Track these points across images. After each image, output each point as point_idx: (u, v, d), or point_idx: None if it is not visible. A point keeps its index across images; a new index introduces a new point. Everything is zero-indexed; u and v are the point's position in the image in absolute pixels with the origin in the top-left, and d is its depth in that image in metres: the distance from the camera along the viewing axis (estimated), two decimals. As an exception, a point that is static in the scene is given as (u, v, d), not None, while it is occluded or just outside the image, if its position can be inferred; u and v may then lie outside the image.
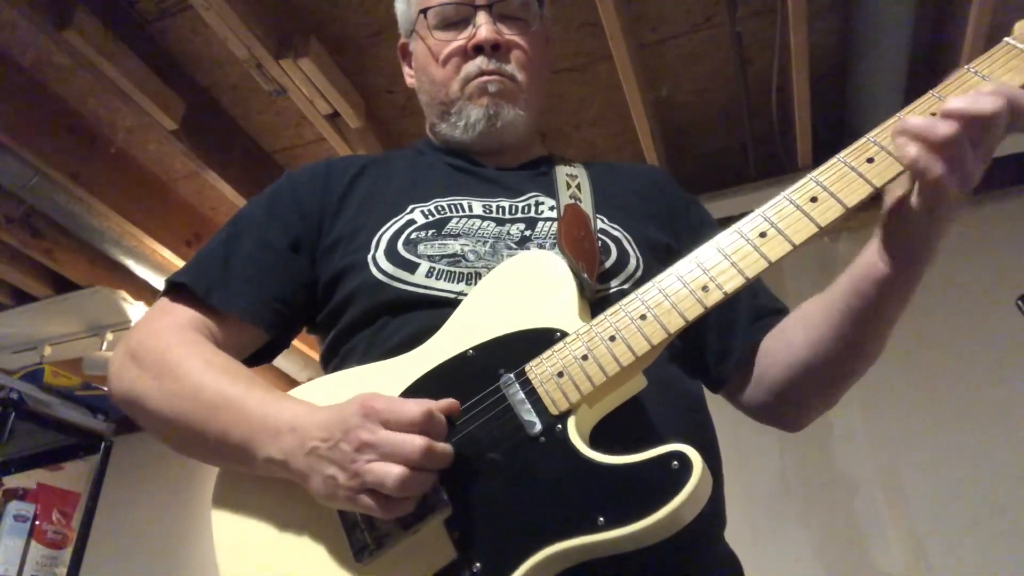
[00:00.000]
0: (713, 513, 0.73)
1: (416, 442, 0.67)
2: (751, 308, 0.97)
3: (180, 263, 2.87)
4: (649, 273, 0.84)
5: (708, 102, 2.53)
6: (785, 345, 0.91)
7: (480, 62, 1.03)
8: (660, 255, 0.96)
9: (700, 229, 1.05)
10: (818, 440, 2.56)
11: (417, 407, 0.69)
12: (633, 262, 0.93)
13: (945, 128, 0.65)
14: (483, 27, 1.03)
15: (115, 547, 3.57)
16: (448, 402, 0.72)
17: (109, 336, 3.20)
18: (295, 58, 2.10)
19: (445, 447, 0.70)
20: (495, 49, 1.03)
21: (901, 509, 2.41)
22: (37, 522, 2.50)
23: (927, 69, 2.33)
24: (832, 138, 2.53)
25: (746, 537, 2.43)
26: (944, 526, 2.32)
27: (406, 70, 1.19)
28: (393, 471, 0.65)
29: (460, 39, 1.05)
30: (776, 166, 2.65)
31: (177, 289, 0.93)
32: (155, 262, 2.84)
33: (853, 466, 2.51)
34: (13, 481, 2.69)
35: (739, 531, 0.95)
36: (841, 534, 2.43)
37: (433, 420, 0.69)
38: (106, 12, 2.09)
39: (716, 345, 0.98)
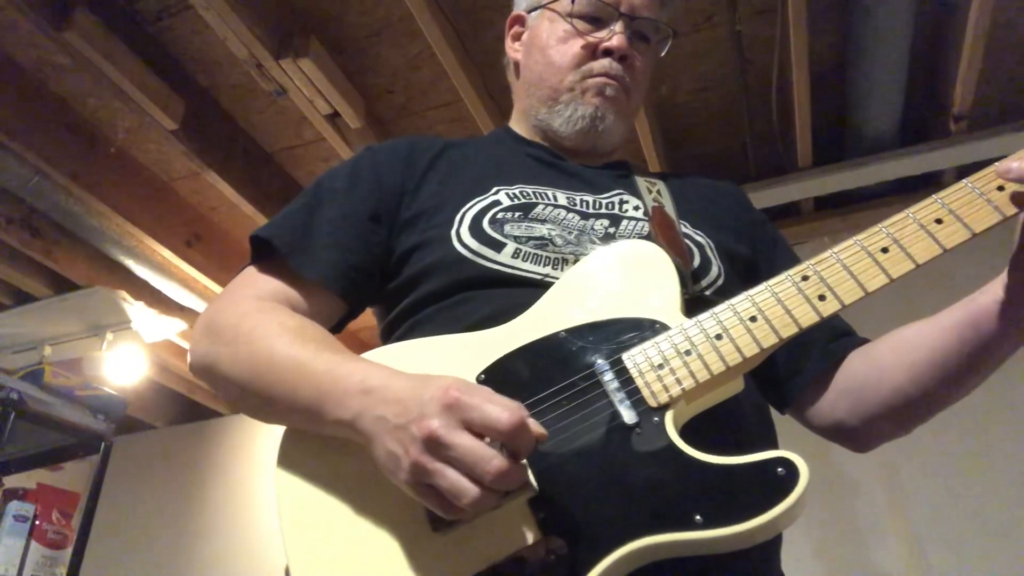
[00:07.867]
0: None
1: (495, 464, 0.60)
2: (826, 327, 0.94)
3: (180, 263, 2.87)
4: (730, 282, 0.83)
5: (708, 102, 2.53)
6: (877, 369, 0.89)
7: (607, 64, 1.04)
8: (739, 267, 0.95)
9: (775, 247, 1.05)
10: (818, 440, 2.55)
11: (509, 417, 0.61)
12: (715, 269, 0.92)
13: None
14: (620, 35, 1.05)
15: (115, 547, 3.57)
16: (540, 431, 0.65)
17: (109, 336, 3.20)
18: (295, 58, 2.10)
19: (522, 476, 0.63)
20: (622, 59, 1.05)
21: (901, 509, 2.41)
22: (37, 522, 2.50)
23: (927, 69, 2.33)
24: (832, 138, 2.53)
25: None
26: (944, 526, 2.32)
27: (510, 43, 1.18)
28: (471, 492, 0.60)
29: (593, 36, 1.06)
30: (776, 166, 2.65)
31: (261, 257, 0.93)
32: (155, 262, 2.84)
33: (853, 466, 2.51)
34: (13, 481, 2.69)
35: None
36: (841, 534, 2.43)
37: (523, 435, 0.61)
38: (106, 12, 2.09)
39: (788, 361, 0.96)
